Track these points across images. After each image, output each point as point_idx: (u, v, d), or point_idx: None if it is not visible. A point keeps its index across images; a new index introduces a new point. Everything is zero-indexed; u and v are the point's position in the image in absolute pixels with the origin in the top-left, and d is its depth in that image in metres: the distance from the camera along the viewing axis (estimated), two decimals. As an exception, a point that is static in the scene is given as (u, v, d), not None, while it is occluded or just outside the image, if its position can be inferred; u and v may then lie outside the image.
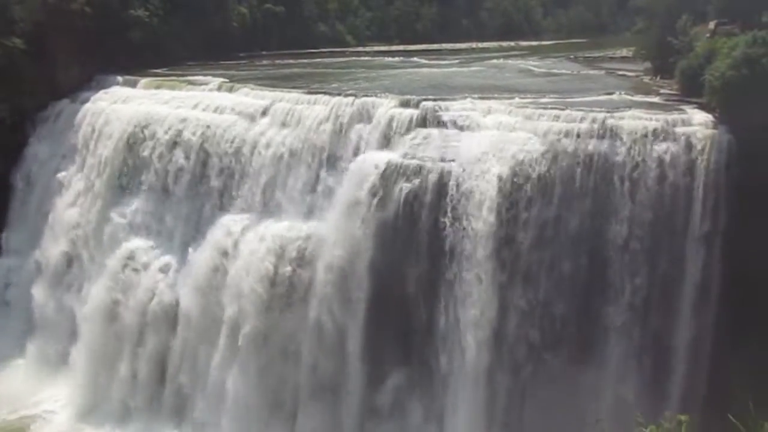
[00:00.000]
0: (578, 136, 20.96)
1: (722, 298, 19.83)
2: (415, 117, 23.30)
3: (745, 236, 19.41)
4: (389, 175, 22.27)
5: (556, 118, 21.81)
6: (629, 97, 25.32)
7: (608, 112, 21.80)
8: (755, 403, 7.91)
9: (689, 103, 22.78)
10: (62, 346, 28.76)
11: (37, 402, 27.39)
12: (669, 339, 20.35)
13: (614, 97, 25.62)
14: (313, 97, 25.87)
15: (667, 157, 20.13)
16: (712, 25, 25.50)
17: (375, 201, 22.19)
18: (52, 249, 29.61)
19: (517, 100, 24.36)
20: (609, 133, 20.84)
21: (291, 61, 41.07)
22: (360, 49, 50.82)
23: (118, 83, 32.14)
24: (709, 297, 20.02)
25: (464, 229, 21.11)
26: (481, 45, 55.14)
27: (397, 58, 43.35)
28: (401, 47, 51.25)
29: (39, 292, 29.49)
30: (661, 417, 7.44)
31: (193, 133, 26.80)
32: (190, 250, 26.03)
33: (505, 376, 21.10)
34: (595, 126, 21.04)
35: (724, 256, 19.86)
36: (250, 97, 27.69)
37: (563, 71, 35.77)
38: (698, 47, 24.03)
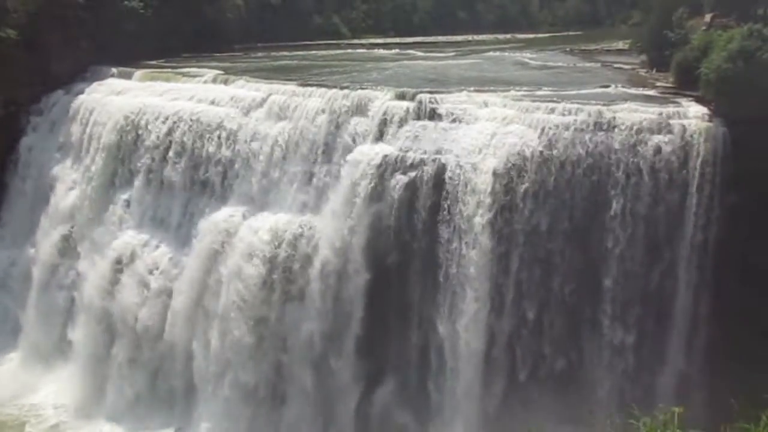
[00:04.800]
0: (574, 128, 20.97)
1: (717, 290, 19.98)
2: (410, 110, 23.22)
3: (739, 226, 19.54)
4: (385, 168, 22.23)
5: (552, 110, 21.80)
6: (625, 90, 25.32)
7: (604, 104, 21.79)
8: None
9: (685, 95, 22.81)
10: (57, 339, 28.69)
11: (32, 396, 27.28)
12: (667, 323, 20.51)
13: (610, 89, 25.63)
14: (308, 89, 25.77)
15: (663, 150, 20.16)
16: (708, 17, 25.53)
17: (371, 194, 22.16)
18: (48, 241, 29.52)
19: (513, 92, 24.30)
20: (605, 126, 20.86)
21: (286, 54, 40.94)
22: (356, 41, 50.70)
23: (112, 75, 32.01)
24: (704, 290, 20.16)
25: (460, 221, 21.10)
26: (477, 37, 55.04)
27: (392, 51, 43.23)
28: (397, 40, 51.12)
29: (34, 284, 29.41)
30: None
31: (189, 126, 26.68)
32: (186, 241, 25.97)
33: (501, 363, 21.20)
34: (591, 119, 21.04)
35: (719, 247, 19.96)
36: (245, 89, 27.59)
37: (559, 64, 35.73)
38: (694, 40, 24.05)
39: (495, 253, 20.89)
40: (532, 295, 20.95)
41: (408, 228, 22.01)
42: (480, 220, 20.80)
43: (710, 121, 20.45)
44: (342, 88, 25.16)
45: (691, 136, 20.18)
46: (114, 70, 32.16)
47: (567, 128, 21.00)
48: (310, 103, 24.85)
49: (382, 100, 23.83)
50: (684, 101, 22.21)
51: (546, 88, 25.54)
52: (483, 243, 20.80)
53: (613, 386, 20.33)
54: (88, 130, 29.39)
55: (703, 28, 24.92)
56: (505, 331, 21.16)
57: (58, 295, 28.97)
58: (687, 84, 23.19)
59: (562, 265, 20.78)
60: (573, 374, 20.87)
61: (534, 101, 22.83)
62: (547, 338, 21.03)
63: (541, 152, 20.74)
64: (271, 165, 24.88)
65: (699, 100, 21.75)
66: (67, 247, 29.17)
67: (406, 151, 22.33)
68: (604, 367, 20.66)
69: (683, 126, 20.42)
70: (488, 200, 20.75)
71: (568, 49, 42.65)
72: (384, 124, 23.27)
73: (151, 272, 26.30)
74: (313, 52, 42.76)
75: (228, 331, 23.98)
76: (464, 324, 21.06)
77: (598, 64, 34.59)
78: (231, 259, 24.40)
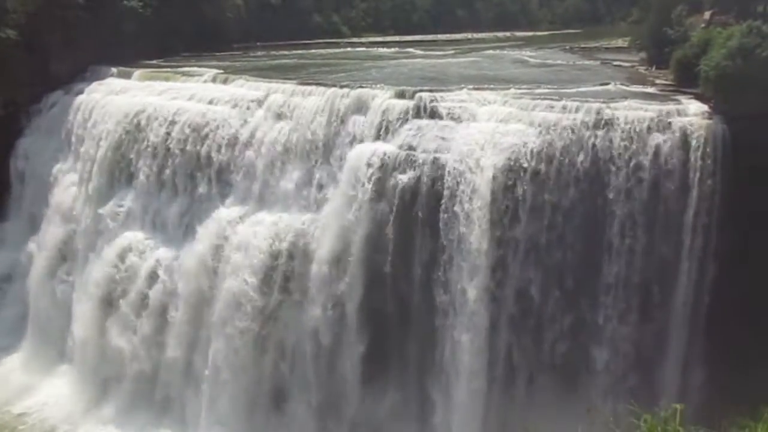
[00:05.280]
0: (574, 126, 20.95)
1: (716, 289, 19.97)
2: (410, 108, 23.18)
3: (740, 225, 19.55)
4: (385, 166, 22.18)
5: (552, 108, 21.79)
6: (625, 88, 25.30)
7: (604, 102, 21.77)
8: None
9: (684, 93, 22.80)
10: (58, 340, 28.63)
11: (34, 396, 27.26)
12: (665, 330, 20.51)
13: (610, 87, 25.59)
14: (308, 88, 25.71)
15: (663, 148, 20.16)
16: (707, 15, 25.57)
17: (370, 193, 22.14)
18: (48, 241, 29.44)
19: (512, 90, 24.20)
20: (604, 124, 20.85)
21: (286, 53, 40.96)
22: (355, 40, 50.72)
23: (112, 74, 31.92)
24: (702, 289, 20.18)
25: (460, 220, 21.07)
26: (476, 35, 55.12)
27: (392, 49, 43.23)
28: (396, 38, 51.18)
29: (35, 285, 29.37)
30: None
31: (188, 125, 26.60)
32: (185, 242, 25.90)
33: (502, 364, 21.19)
34: (591, 116, 21.02)
35: (720, 245, 19.97)
36: (244, 88, 27.53)
37: (558, 62, 35.70)
38: (693, 37, 24.06)
39: (495, 250, 20.78)
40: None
41: (408, 226, 21.95)
42: (480, 217, 20.69)
43: (710, 118, 20.44)
44: (341, 86, 25.11)
45: (691, 133, 20.10)
46: (114, 69, 32.07)
47: (567, 126, 20.87)
48: (310, 102, 24.80)
49: (382, 99, 23.77)
50: (684, 99, 22.18)
51: (545, 86, 25.50)
52: (483, 240, 20.70)
53: None
54: (87, 129, 29.26)
55: (703, 25, 24.94)
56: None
57: (59, 294, 28.78)
58: (686, 81, 23.19)
59: (561, 262, 20.72)
60: None
61: (534, 99, 22.72)
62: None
63: (541, 150, 20.69)
64: (270, 164, 24.70)
65: (699, 98, 21.74)
66: (68, 247, 29.06)
67: (406, 150, 22.22)
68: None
69: (683, 124, 20.33)
70: (488, 198, 20.70)
71: (567, 47, 42.63)
72: (384, 122, 23.13)
73: (151, 273, 26.13)
74: (313, 50, 42.76)
75: (228, 330, 23.87)
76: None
77: (598, 62, 34.57)
78: (230, 259, 24.25)
